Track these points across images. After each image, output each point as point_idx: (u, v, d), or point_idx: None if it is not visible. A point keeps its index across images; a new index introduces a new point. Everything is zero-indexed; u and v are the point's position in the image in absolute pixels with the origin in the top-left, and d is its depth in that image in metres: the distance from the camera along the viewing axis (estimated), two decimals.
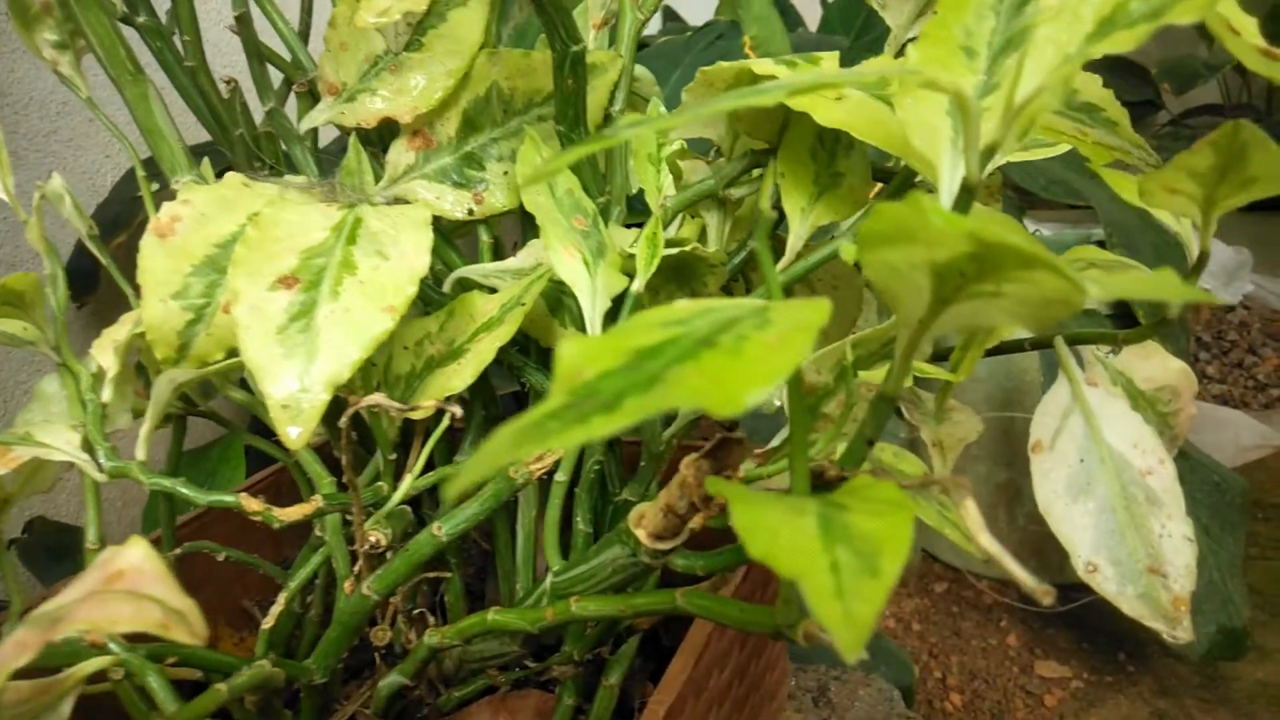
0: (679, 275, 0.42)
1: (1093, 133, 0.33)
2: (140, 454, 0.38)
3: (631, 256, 0.39)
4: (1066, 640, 0.97)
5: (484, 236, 0.48)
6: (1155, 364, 0.36)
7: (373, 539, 0.38)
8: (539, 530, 0.47)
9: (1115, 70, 1.76)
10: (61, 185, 0.43)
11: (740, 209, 0.44)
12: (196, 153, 0.46)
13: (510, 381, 0.51)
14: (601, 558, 0.33)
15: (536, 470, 0.38)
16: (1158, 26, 0.20)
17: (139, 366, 0.45)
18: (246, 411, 0.63)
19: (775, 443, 0.37)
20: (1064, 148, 0.39)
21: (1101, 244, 0.94)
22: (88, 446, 0.39)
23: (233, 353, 0.37)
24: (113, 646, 0.33)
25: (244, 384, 0.52)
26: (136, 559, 0.22)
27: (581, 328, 0.38)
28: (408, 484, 0.39)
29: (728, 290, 0.44)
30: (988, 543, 0.20)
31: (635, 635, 0.45)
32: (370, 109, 0.44)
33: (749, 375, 0.15)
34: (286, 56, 0.50)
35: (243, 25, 0.47)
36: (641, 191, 0.44)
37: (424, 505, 0.51)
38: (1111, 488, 0.32)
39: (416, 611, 0.47)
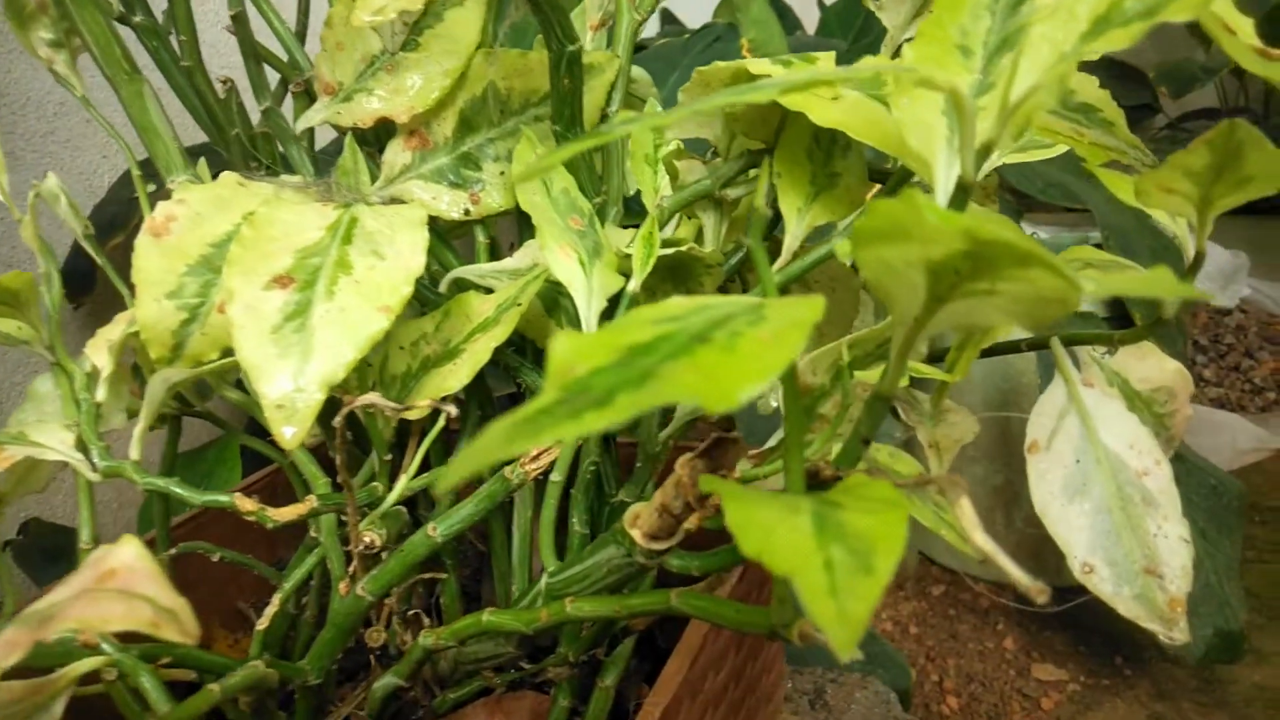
0: (675, 276, 0.42)
1: (1089, 133, 0.33)
2: (134, 453, 0.38)
3: (628, 257, 0.39)
4: (1063, 643, 0.97)
5: (480, 237, 0.48)
6: (1151, 365, 0.36)
7: (367, 540, 0.38)
8: (535, 531, 0.47)
9: (1112, 73, 1.76)
10: (57, 185, 0.43)
11: (737, 210, 0.44)
12: (193, 154, 0.46)
13: (507, 383, 0.50)
14: (596, 558, 0.33)
15: (532, 471, 0.38)
16: (1153, 24, 0.20)
17: (134, 367, 0.45)
18: (243, 412, 0.62)
19: (771, 443, 0.37)
20: (1061, 149, 0.39)
21: (1098, 247, 0.94)
22: (82, 446, 0.39)
23: (227, 352, 0.37)
24: (105, 647, 0.33)
25: (240, 384, 0.52)
26: (128, 558, 0.22)
27: (577, 328, 0.38)
28: (403, 484, 0.39)
29: (724, 291, 0.44)
30: (983, 541, 0.20)
31: (631, 637, 0.45)
32: (366, 109, 0.44)
33: (743, 371, 0.15)
34: (283, 56, 0.50)
35: (239, 25, 0.47)
36: (639, 193, 0.44)
37: (420, 506, 0.51)
38: (1108, 488, 0.32)
39: (411, 613, 0.47)
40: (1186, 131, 1.72)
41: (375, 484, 0.40)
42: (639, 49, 1.05)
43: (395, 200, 0.44)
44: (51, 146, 0.85)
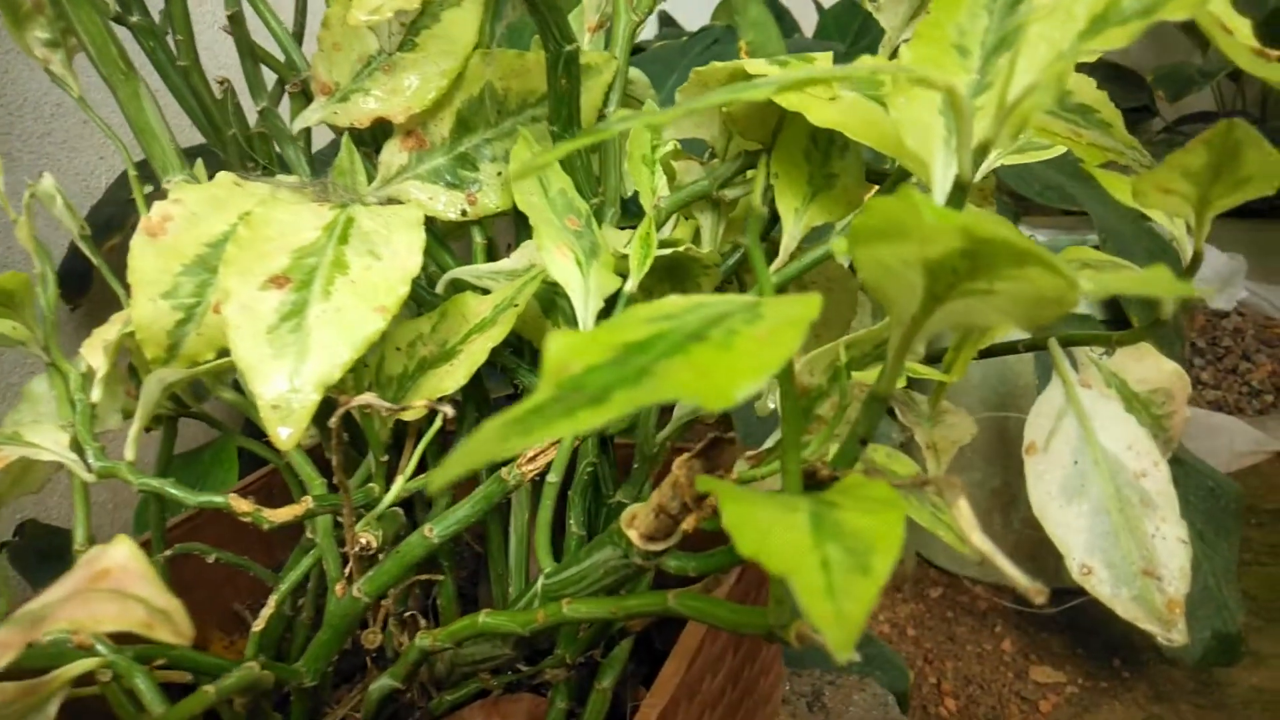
0: (673, 276, 0.42)
1: (1087, 134, 0.33)
2: (129, 454, 0.38)
3: (625, 257, 0.39)
4: (1061, 645, 0.96)
5: (477, 238, 0.48)
6: (1149, 366, 0.36)
7: (364, 541, 0.37)
8: (532, 533, 0.47)
9: (1110, 77, 1.76)
10: (53, 185, 0.43)
11: (734, 210, 0.44)
12: (191, 155, 0.46)
13: (505, 385, 0.50)
14: (593, 559, 0.33)
15: (529, 472, 0.38)
16: (1150, 23, 0.20)
17: (130, 369, 0.45)
18: (240, 414, 0.62)
19: (768, 444, 0.37)
20: (1058, 150, 0.39)
21: (1095, 249, 0.94)
22: (77, 447, 0.38)
23: (223, 352, 0.37)
24: (100, 648, 0.33)
25: (237, 385, 0.52)
26: (121, 558, 0.22)
27: (574, 328, 0.38)
28: (399, 485, 0.39)
29: (721, 292, 0.44)
30: (980, 542, 0.19)
31: (628, 638, 0.45)
32: (363, 109, 0.44)
33: (739, 369, 0.15)
34: (280, 57, 0.50)
35: (235, 25, 0.47)
36: (636, 194, 0.44)
37: (417, 508, 0.51)
38: (1106, 490, 0.32)
39: (408, 614, 0.47)
40: (1183, 134, 1.72)
41: (372, 485, 0.40)
42: (637, 51, 1.05)
43: (392, 201, 0.44)
44: (48, 148, 0.85)
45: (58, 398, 0.41)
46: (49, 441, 0.38)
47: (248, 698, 0.39)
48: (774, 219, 0.40)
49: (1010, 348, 0.37)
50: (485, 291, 0.44)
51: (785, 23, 1.45)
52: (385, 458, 0.41)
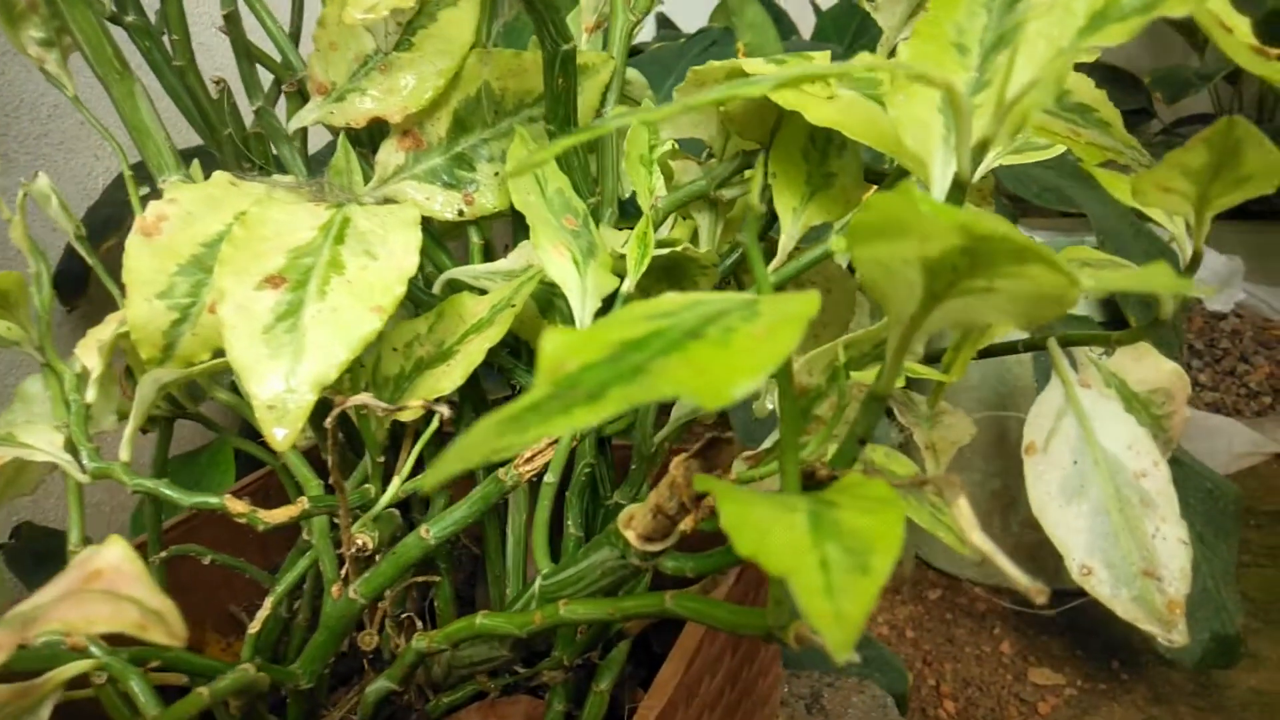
0: (670, 276, 0.42)
1: (1086, 133, 0.33)
2: (124, 455, 0.38)
3: (623, 257, 0.39)
4: (1060, 647, 0.96)
5: (474, 238, 0.48)
6: (1148, 366, 0.35)
7: (360, 542, 0.37)
8: (529, 535, 0.47)
9: (1107, 79, 1.76)
10: (48, 185, 0.43)
11: (732, 210, 0.44)
12: (187, 156, 0.46)
13: (503, 387, 0.50)
14: (591, 560, 0.33)
15: (526, 473, 0.38)
16: (1150, 19, 0.20)
17: (127, 369, 0.45)
18: (237, 417, 0.62)
19: (766, 445, 0.37)
20: (1057, 150, 0.38)
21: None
22: (71, 447, 0.38)
23: (219, 353, 0.37)
24: (94, 650, 0.33)
25: (233, 386, 0.51)
26: (115, 559, 0.22)
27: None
28: (396, 486, 0.39)
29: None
30: (980, 541, 0.19)
31: (626, 640, 0.45)
32: (360, 109, 0.43)
33: (736, 366, 0.14)
34: (276, 57, 0.50)
35: (231, 24, 0.46)
36: (634, 195, 0.44)
37: (413, 509, 0.51)
38: (1105, 490, 0.31)
39: (405, 616, 0.46)
40: (1181, 137, 1.72)
41: (368, 486, 0.40)
42: (634, 53, 1.05)
43: (389, 201, 0.44)
44: (45, 149, 0.85)
45: (52, 398, 0.41)
46: (43, 442, 0.37)
47: (243, 700, 0.39)
48: (772, 219, 0.40)
49: (1009, 348, 0.36)
50: (482, 292, 0.43)
51: (783, 25, 1.45)
52: (382, 459, 0.41)
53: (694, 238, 0.45)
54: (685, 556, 0.31)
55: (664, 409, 0.45)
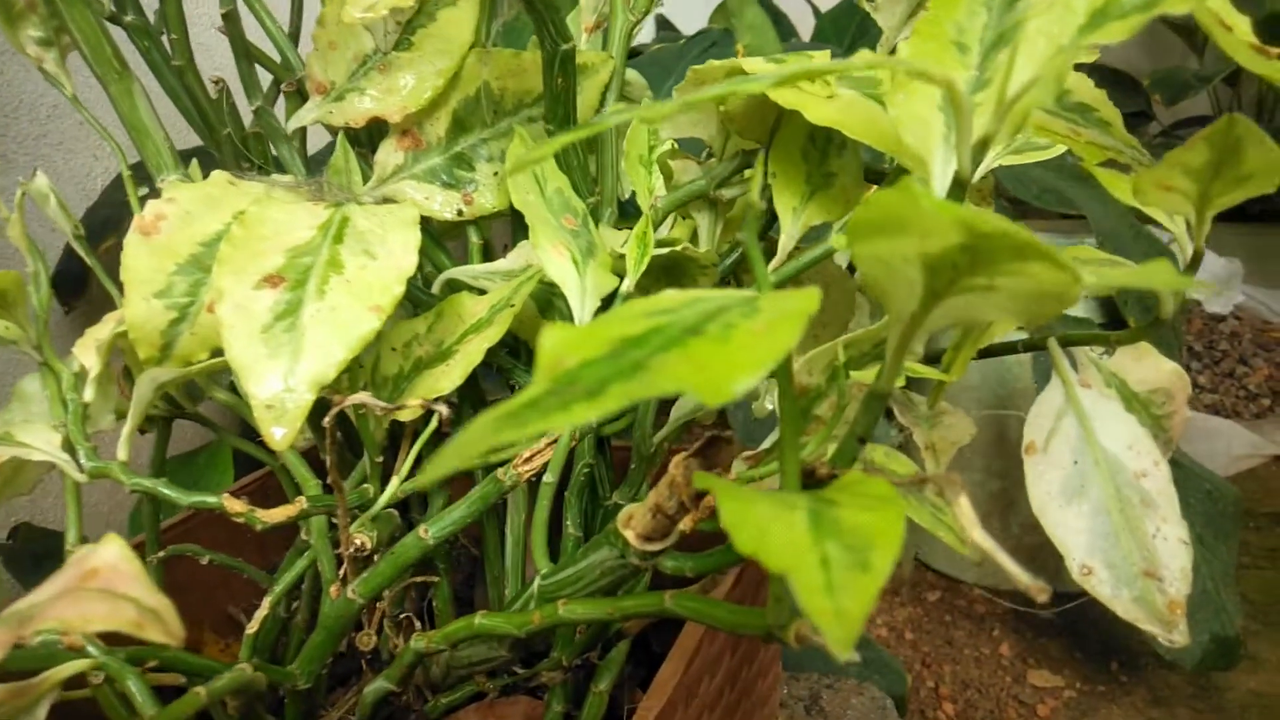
0: (670, 276, 0.42)
1: (1086, 132, 0.33)
2: (121, 454, 0.38)
3: (622, 257, 0.39)
4: (1059, 649, 0.96)
5: (474, 238, 0.48)
6: (1148, 366, 0.35)
7: (358, 542, 0.37)
8: (528, 535, 0.47)
9: (1106, 81, 1.76)
10: (46, 184, 0.43)
11: (732, 210, 0.44)
12: (186, 157, 0.46)
13: (503, 388, 0.50)
14: (590, 560, 0.33)
15: (525, 473, 0.38)
16: (1150, 16, 0.20)
17: (126, 370, 0.44)
18: (236, 417, 0.62)
19: (765, 445, 0.37)
20: (1057, 150, 0.38)
21: None
22: (69, 447, 0.38)
23: (217, 352, 0.36)
24: (91, 649, 0.33)
25: (231, 386, 0.51)
26: (111, 557, 0.22)
27: None
28: (394, 486, 0.39)
29: None
30: (981, 538, 0.19)
31: (625, 640, 0.44)
32: (359, 108, 0.43)
33: (736, 362, 0.14)
34: (276, 57, 0.50)
35: (230, 23, 0.46)
36: (633, 197, 0.44)
37: (412, 509, 0.50)
38: (1106, 490, 0.31)
39: (403, 617, 0.46)
40: (1180, 139, 1.72)
41: (366, 486, 0.40)
42: (634, 55, 1.05)
43: (388, 200, 0.44)
44: (44, 149, 0.84)
45: (50, 397, 0.40)
46: (41, 441, 0.37)
47: (241, 700, 0.39)
48: (771, 218, 0.40)
49: (1009, 348, 0.36)
50: (481, 292, 0.43)
51: (782, 26, 1.45)
52: (380, 459, 0.40)
53: (693, 238, 0.45)
54: (685, 556, 0.31)
55: (663, 410, 0.45)
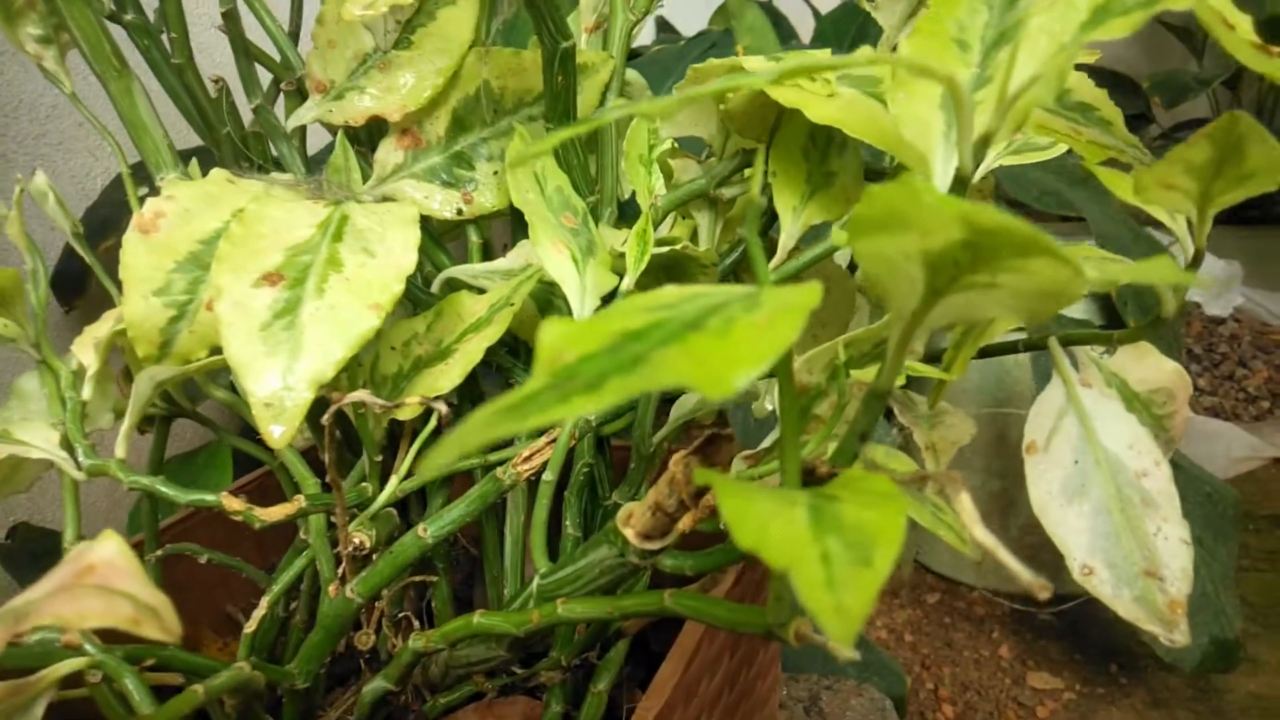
0: (670, 275, 0.42)
1: (1087, 131, 0.33)
2: (120, 452, 0.37)
3: (622, 256, 0.39)
4: (1059, 651, 0.96)
5: (473, 237, 0.48)
6: (1149, 366, 0.35)
7: (357, 541, 0.37)
8: (527, 535, 0.47)
9: (1106, 83, 1.76)
10: (45, 182, 0.43)
11: (732, 210, 0.44)
12: (185, 157, 0.46)
13: (502, 387, 0.50)
14: (589, 559, 0.33)
15: (524, 472, 0.38)
16: (1152, 13, 0.20)
17: (125, 370, 0.44)
18: (235, 417, 0.62)
19: (765, 444, 0.37)
20: (1057, 150, 0.38)
21: None
22: (67, 445, 0.38)
23: (216, 350, 0.36)
24: (88, 648, 0.33)
25: (230, 384, 0.51)
26: (108, 554, 0.22)
27: None
28: (393, 485, 0.39)
29: None
30: (982, 536, 0.19)
31: (624, 640, 0.44)
32: (358, 107, 0.43)
33: (737, 356, 0.14)
34: (275, 56, 0.50)
35: (230, 22, 0.46)
36: (634, 196, 0.44)
37: (411, 508, 0.50)
38: (1107, 489, 0.31)
39: (402, 616, 0.46)
40: (1179, 141, 1.72)
41: (365, 485, 0.40)
42: (634, 56, 1.05)
43: (387, 199, 0.44)
44: (43, 149, 0.84)
45: (48, 395, 0.40)
46: (39, 439, 0.37)
47: (239, 699, 0.39)
48: (771, 218, 0.40)
49: (1010, 348, 0.36)
50: (481, 291, 0.43)
51: (782, 28, 1.45)
52: (379, 457, 0.40)
53: (694, 236, 0.45)
54: (684, 555, 0.31)
55: (663, 410, 0.45)
